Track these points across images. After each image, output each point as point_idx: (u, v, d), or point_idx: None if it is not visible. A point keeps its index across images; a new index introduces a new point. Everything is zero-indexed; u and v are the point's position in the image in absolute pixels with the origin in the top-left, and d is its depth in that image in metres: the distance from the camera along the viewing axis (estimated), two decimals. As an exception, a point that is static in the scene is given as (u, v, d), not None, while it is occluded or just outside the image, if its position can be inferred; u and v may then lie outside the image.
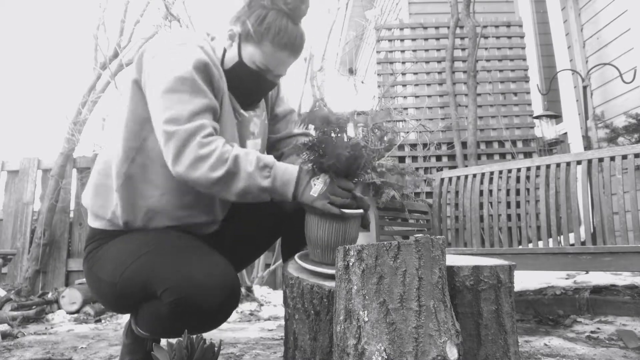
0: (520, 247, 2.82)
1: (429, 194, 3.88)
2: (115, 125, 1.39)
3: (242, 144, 1.46)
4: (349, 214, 1.24)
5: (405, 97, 4.53)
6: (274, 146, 1.65)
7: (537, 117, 4.13)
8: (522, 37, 4.63)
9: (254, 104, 1.49)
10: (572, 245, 2.53)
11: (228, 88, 1.39)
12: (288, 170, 1.25)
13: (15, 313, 3.11)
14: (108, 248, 1.37)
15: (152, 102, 1.26)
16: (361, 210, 1.28)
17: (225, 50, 1.38)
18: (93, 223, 1.43)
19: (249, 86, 1.40)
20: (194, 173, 1.19)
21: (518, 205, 2.82)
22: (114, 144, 1.36)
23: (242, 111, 1.44)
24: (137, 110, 1.32)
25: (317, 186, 1.22)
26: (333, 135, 1.27)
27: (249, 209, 1.46)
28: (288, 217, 1.50)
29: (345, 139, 1.26)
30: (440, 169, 4.11)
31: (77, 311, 3.35)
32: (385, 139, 3.47)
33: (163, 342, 1.50)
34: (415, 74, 4.58)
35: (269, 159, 1.25)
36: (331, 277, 1.15)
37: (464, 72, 4.45)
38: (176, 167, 1.21)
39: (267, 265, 4.09)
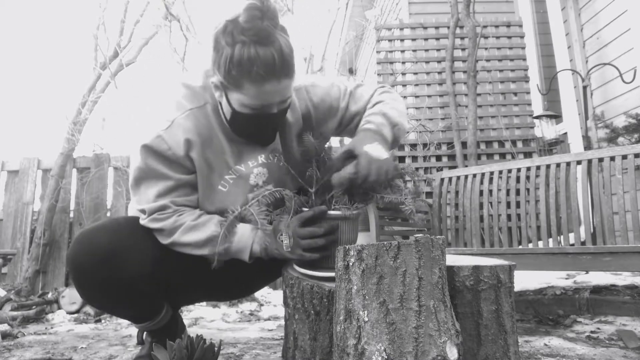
0: (520, 247, 2.82)
1: (429, 194, 3.87)
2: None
3: (241, 199, 1.41)
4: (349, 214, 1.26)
5: (405, 97, 4.52)
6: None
7: (537, 117, 4.13)
8: (522, 37, 4.63)
9: (273, 140, 1.43)
10: (572, 245, 2.53)
11: (240, 135, 1.38)
12: (243, 238, 1.32)
13: (15, 313, 3.11)
14: None
15: (131, 186, 1.42)
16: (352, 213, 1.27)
17: (220, 104, 1.34)
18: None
19: (257, 129, 1.35)
20: (158, 237, 1.38)
21: (518, 205, 2.82)
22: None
23: (238, 167, 1.41)
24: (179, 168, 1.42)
25: (285, 241, 1.26)
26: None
27: None
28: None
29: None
30: (440, 169, 4.11)
31: (77, 311, 3.35)
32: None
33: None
34: (415, 74, 4.57)
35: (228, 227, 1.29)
36: (330, 279, 1.16)
37: (464, 72, 4.44)
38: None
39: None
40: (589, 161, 2.52)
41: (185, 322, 2.86)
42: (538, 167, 2.72)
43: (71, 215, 4.39)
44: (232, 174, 1.41)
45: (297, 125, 1.45)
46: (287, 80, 1.23)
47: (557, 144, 4.15)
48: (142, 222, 1.39)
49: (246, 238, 1.32)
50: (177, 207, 1.36)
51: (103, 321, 3.19)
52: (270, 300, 3.60)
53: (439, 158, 4.38)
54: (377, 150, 1.27)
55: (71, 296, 3.39)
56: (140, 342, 1.56)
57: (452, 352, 0.90)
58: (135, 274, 1.34)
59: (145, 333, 1.60)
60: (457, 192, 3.03)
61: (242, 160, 1.42)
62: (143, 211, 1.38)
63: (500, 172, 2.87)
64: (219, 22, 1.19)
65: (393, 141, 1.42)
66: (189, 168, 1.36)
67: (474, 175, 2.97)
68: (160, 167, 1.33)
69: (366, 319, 0.93)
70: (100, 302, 1.48)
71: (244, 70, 1.16)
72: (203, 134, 1.35)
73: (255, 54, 1.15)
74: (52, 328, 2.92)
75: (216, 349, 1.38)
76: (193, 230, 1.33)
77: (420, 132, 4.37)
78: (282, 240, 1.26)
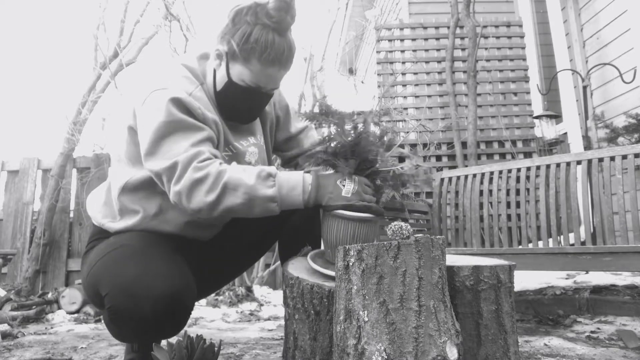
0: (520, 247, 2.82)
1: (429, 194, 3.87)
2: (114, 160, 1.44)
3: None
4: (372, 217, 1.24)
5: (405, 97, 4.53)
6: (289, 162, 1.67)
7: (537, 117, 4.13)
8: (522, 37, 4.63)
9: (253, 119, 1.48)
10: (572, 245, 2.53)
11: (222, 111, 1.39)
12: (292, 176, 1.25)
13: (15, 313, 3.11)
14: (98, 246, 1.40)
15: (146, 149, 1.25)
16: (383, 212, 1.28)
17: (215, 72, 1.37)
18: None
19: (244, 104, 1.38)
20: (192, 201, 1.20)
21: (518, 205, 2.82)
22: (114, 174, 1.42)
23: (236, 144, 1.43)
24: (136, 154, 1.34)
25: (348, 186, 1.23)
26: (335, 127, 1.29)
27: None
28: (287, 218, 1.50)
29: (348, 126, 1.29)
30: (440, 169, 4.11)
31: (77, 311, 3.35)
32: (385, 138, 3.46)
33: (163, 342, 1.50)
34: (415, 74, 4.58)
35: (272, 168, 1.26)
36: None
37: (464, 72, 4.45)
38: (177, 197, 1.22)
39: (267, 265, 4.10)
40: (589, 161, 2.52)
41: (185, 322, 2.86)
42: (538, 167, 2.72)
43: (71, 215, 4.39)
44: (230, 150, 1.42)
45: (271, 119, 1.58)
46: (285, 72, 1.35)
47: (557, 144, 4.15)
48: (173, 185, 1.20)
49: (296, 176, 1.24)
50: (215, 158, 1.25)
51: (103, 321, 3.19)
52: (270, 300, 3.60)
53: (439, 158, 4.38)
54: None
55: (71, 296, 3.39)
56: (136, 349, 1.53)
57: (452, 352, 0.90)
58: (193, 303, 1.28)
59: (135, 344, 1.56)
60: (457, 192, 3.03)
61: (236, 139, 1.45)
62: (172, 167, 1.19)
63: (500, 172, 2.87)
64: (244, 1, 1.28)
65: None
66: (213, 130, 1.33)
67: (474, 175, 2.97)
68: (191, 120, 1.25)
69: (366, 319, 0.93)
70: (147, 340, 1.33)
71: (257, 49, 1.26)
72: (210, 109, 1.36)
73: (272, 39, 1.26)
74: (52, 328, 2.92)
75: (216, 349, 1.38)
76: (242, 172, 1.22)
77: (420, 132, 4.37)
78: (344, 185, 1.23)
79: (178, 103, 1.25)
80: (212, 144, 1.29)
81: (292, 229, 1.52)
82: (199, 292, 1.62)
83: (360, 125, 1.29)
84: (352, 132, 1.28)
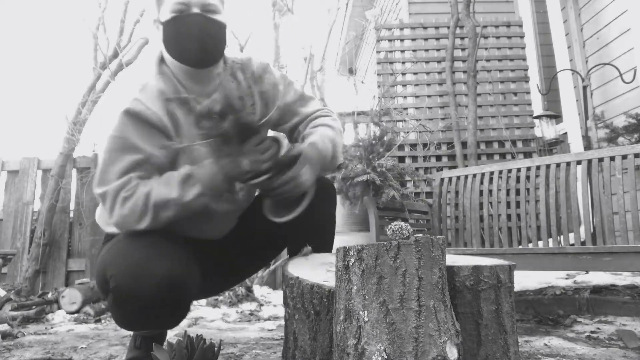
0: (520, 247, 2.82)
1: (429, 194, 3.88)
2: None
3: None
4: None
5: (405, 97, 4.53)
6: (292, 133, 1.60)
7: (537, 117, 4.13)
8: (522, 37, 4.63)
9: (211, 57, 1.42)
10: (572, 245, 2.53)
11: (179, 54, 1.38)
12: (206, 166, 1.28)
13: (15, 313, 3.11)
14: (111, 240, 1.44)
15: (98, 165, 1.34)
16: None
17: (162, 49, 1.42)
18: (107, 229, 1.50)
19: (189, 38, 1.36)
20: (131, 228, 1.29)
21: (518, 205, 2.82)
22: None
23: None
24: (153, 140, 1.36)
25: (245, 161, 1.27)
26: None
27: (256, 216, 1.47)
28: (297, 222, 1.52)
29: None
30: (440, 169, 4.11)
31: (77, 311, 3.35)
32: (385, 139, 3.47)
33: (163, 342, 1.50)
34: (415, 74, 4.57)
35: (189, 169, 1.29)
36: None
37: (464, 72, 4.45)
38: (116, 226, 1.32)
39: (267, 265, 4.09)
40: (589, 161, 2.52)
41: (185, 322, 2.87)
42: (538, 167, 2.72)
43: (71, 215, 4.39)
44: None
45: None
46: None
47: (557, 144, 4.15)
48: (108, 215, 1.28)
49: (207, 164, 1.30)
50: (141, 180, 1.30)
51: (103, 321, 3.19)
52: (270, 300, 3.60)
53: (439, 158, 4.38)
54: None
55: (71, 296, 3.39)
56: (138, 346, 1.54)
57: (452, 352, 0.90)
58: (194, 293, 1.33)
59: (138, 338, 1.58)
60: (457, 192, 3.03)
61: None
62: (103, 196, 1.28)
63: (500, 172, 2.87)
64: None
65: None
66: (167, 131, 1.33)
67: (474, 175, 2.98)
68: (134, 137, 1.29)
69: (366, 319, 0.93)
70: (149, 326, 1.37)
71: None
72: (176, 92, 1.38)
73: None
74: (52, 328, 2.92)
75: (216, 349, 1.38)
76: (166, 187, 1.27)
77: (420, 132, 4.37)
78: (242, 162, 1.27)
79: (126, 114, 1.30)
80: (148, 165, 1.32)
81: (302, 232, 1.53)
82: (206, 291, 1.67)
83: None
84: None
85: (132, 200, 1.26)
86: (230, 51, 1.56)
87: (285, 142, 1.37)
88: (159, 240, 1.29)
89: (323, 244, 1.53)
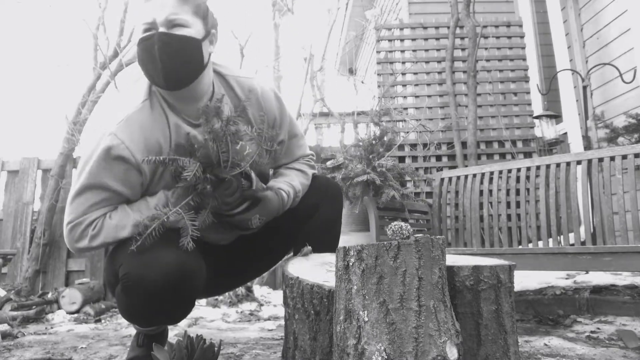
0: (520, 247, 2.82)
1: (429, 194, 3.88)
2: None
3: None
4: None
5: (405, 97, 4.53)
6: (277, 169, 1.67)
7: (537, 117, 4.13)
8: (522, 37, 4.63)
9: (187, 74, 1.35)
10: (572, 245, 2.53)
11: (151, 74, 1.33)
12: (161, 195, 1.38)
13: (15, 313, 3.11)
14: None
15: (73, 186, 1.37)
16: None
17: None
18: None
19: (154, 55, 1.29)
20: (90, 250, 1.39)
21: (518, 205, 2.82)
22: None
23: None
24: (128, 180, 1.38)
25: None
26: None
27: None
28: (304, 224, 1.56)
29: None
30: (440, 169, 4.11)
31: (77, 311, 3.35)
32: (385, 139, 3.47)
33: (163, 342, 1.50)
34: (415, 74, 4.57)
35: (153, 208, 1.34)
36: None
37: (464, 72, 4.44)
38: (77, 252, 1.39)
39: (267, 265, 4.09)
40: (589, 161, 2.52)
41: (185, 322, 2.87)
42: (538, 167, 2.72)
43: (71, 215, 4.38)
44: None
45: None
46: None
47: (557, 144, 4.14)
48: (79, 244, 1.35)
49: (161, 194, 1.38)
50: (104, 213, 1.36)
51: (103, 321, 3.19)
52: (270, 300, 3.60)
53: (439, 158, 4.38)
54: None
55: (71, 296, 3.39)
56: (141, 344, 1.55)
57: (452, 352, 0.90)
58: (201, 287, 1.34)
59: (141, 336, 1.58)
60: (457, 192, 3.03)
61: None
62: (72, 226, 1.34)
63: (500, 172, 2.87)
64: None
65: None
66: (143, 171, 1.36)
67: (474, 175, 2.97)
68: (108, 179, 1.33)
69: (366, 319, 0.93)
70: (155, 319, 1.41)
71: None
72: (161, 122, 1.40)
73: None
74: (52, 328, 2.92)
75: (216, 349, 1.38)
76: (126, 214, 1.35)
77: (420, 132, 4.37)
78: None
79: (107, 155, 1.31)
80: (116, 198, 1.36)
81: (308, 234, 1.54)
82: (213, 288, 1.71)
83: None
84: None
85: (102, 234, 1.34)
86: (234, 67, 1.56)
87: (254, 179, 1.43)
88: (169, 234, 1.31)
89: (331, 244, 1.53)
